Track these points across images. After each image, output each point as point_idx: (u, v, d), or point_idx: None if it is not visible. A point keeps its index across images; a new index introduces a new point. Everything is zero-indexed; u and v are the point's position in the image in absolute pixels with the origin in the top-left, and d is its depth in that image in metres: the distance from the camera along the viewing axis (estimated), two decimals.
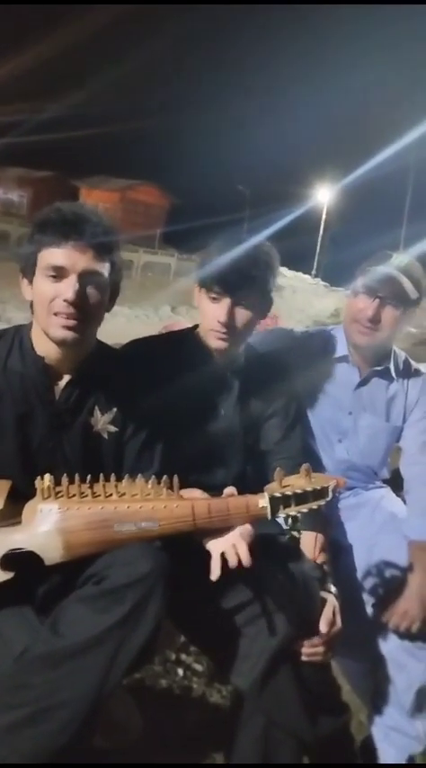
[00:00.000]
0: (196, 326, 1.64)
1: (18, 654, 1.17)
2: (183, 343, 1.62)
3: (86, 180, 39.18)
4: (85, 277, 1.30)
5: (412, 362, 1.91)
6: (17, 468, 1.35)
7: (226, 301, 1.49)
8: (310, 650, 1.36)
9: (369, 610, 1.69)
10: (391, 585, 1.66)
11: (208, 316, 1.52)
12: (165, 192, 40.32)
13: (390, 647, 1.65)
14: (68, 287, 1.28)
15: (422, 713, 1.67)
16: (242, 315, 1.51)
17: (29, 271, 1.35)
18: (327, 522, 1.61)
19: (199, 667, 2.07)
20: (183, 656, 2.11)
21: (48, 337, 1.33)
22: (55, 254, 1.29)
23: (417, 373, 1.88)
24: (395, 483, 1.94)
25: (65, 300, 1.28)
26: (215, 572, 1.23)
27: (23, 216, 32.68)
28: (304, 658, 1.35)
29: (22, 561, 1.19)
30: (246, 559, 1.21)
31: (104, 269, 1.34)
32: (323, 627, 1.37)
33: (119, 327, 1.64)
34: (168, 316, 15.95)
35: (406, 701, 1.64)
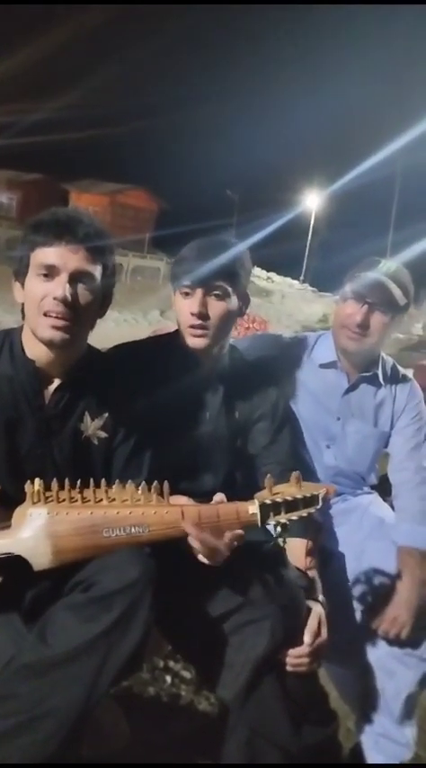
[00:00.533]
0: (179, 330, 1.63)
1: (4, 663, 1.15)
2: (168, 346, 1.61)
3: (76, 183, 39.14)
4: (77, 277, 1.30)
5: (400, 368, 1.92)
6: (6, 473, 1.34)
7: (198, 292, 1.50)
8: (295, 661, 1.34)
9: (358, 616, 1.69)
10: (380, 592, 1.66)
11: (183, 312, 1.52)
12: (155, 197, 40.37)
13: (379, 653, 1.65)
14: (58, 285, 1.28)
15: (411, 720, 1.68)
16: (215, 306, 1.51)
17: (21, 272, 1.35)
18: (319, 528, 1.61)
19: (187, 675, 2.06)
20: (171, 664, 2.09)
21: (36, 338, 1.32)
22: (47, 254, 1.30)
23: (405, 379, 1.89)
24: (383, 489, 1.94)
25: (55, 298, 1.28)
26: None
27: (12, 218, 32.58)
28: (289, 668, 1.34)
29: (11, 566, 1.18)
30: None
31: (96, 271, 1.34)
32: (307, 637, 1.35)
33: (107, 331, 1.63)
34: (157, 320, 15.96)
35: (395, 708, 1.64)
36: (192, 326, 1.51)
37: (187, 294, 1.51)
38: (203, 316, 1.50)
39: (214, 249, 1.51)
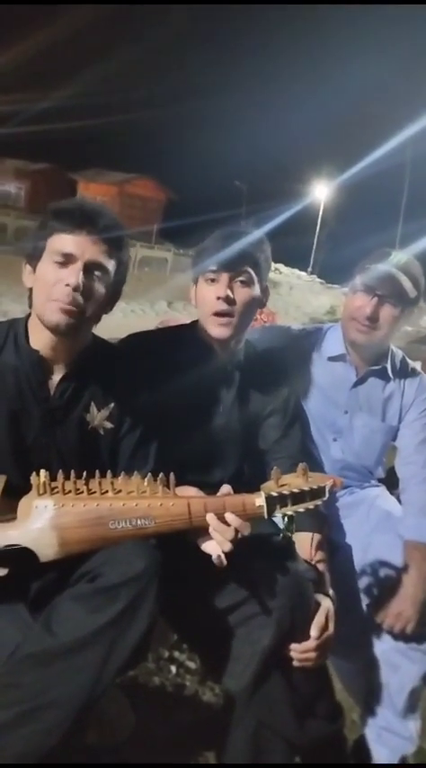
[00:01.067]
0: (195, 322, 1.62)
1: (9, 652, 1.15)
2: (182, 337, 1.61)
3: (84, 173, 39.02)
4: (91, 268, 1.31)
5: (409, 362, 1.90)
6: (11, 464, 1.34)
7: (224, 277, 1.50)
8: (302, 656, 1.34)
9: (364, 610, 1.69)
10: (385, 585, 1.65)
11: (207, 299, 1.52)
12: (163, 187, 40.21)
13: (384, 647, 1.65)
14: (72, 273, 1.29)
15: (415, 714, 1.67)
16: (241, 293, 1.51)
17: (35, 256, 1.35)
18: (326, 521, 1.61)
19: (192, 665, 2.07)
20: (176, 654, 2.10)
21: (43, 324, 1.32)
22: (66, 240, 1.30)
23: (414, 373, 1.87)
24: (391, 482, 1.93)
25: (67, 285, 1.28)
26: (221, 561, 1.21)
27: (20, 208, 32.59)
28: (295, 663, 1.34)
29: (17, 557, 1.18)
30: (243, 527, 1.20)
31: (110, 265, 1.34)
32: (313, 632, 1.34)
33: (115, 321, 1.62)
34: (164, 311, 15.94)
35: (399, 702, 1.63)
36: (218, 314, 1.51)
37: (212, 281, 1.52)
38: (230, 300, 1.50)
39: (237, 237, 1.52)
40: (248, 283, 1.52)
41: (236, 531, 1.19)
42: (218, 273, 1.51)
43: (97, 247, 1.31)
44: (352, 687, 1.83)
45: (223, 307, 1.50)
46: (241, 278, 1.51)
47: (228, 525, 1.19)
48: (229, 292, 1.50)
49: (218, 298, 1.49)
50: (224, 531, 1.19)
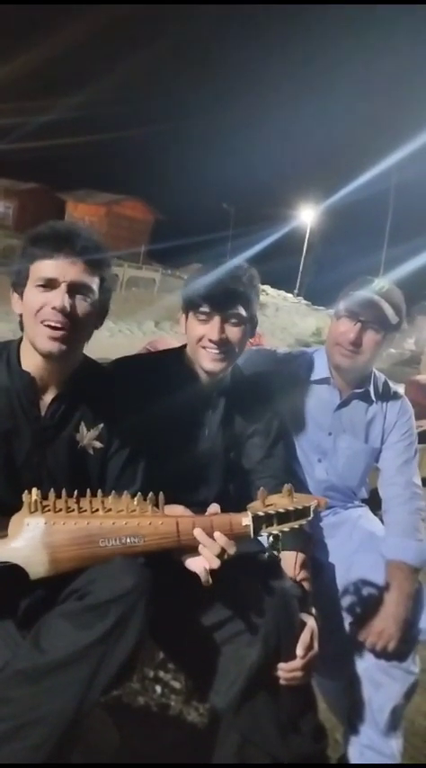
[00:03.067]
0: (184, 346, 1.66)
1: None
2: (171, 363, 1.64)
3: (72, 193, 39.23)
4: (75, 289, 1.33)
5: (391, 385, 1.95)
6: (2, 483, 1.36)
7: (216, 319, 1.52)
8: (288, 675, 1.36)
9: (346, 628, 1.71)
10: (368, 604, 1.68)
11: (197, 335, 1.55)
12: (151, 208, 40.50)
13: (366, 665, 1.68)
14: (57, 296, 1.31)
15: (397, 732, 1.69)
16: (233, 332, 1.54)
17: (20, 284, 1.37)
18: (310, 540, 1.64)
19: (177, 685, 2.07)
20: (161, 674, 2.10)
21: (35, 350, 1.34)
22: (46, 266, 1.32)
23: (395, 396, 1.92)
24: (374, 503, 1.97)
25: (53, 308, 1.30)
26: (207, 577, 1.23)
27: (8, 227, 32.65)
28: (282, 682, 1.36)
29: (7, 575, 1.20)
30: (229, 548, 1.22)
31: (94, 283, 1.36)
32: (299, 650, 1.36)
33: (102, 341, 1.64)
34: (152, 331, 16.00)
35: (381, 720, 1.65)
36: (208, 349, 1.53)
37: (204, 320, 1.54)
38: (223, 342, 1.53)
39: (230, 276, 1.53)
40: (240, 323, 1.55)
41: (223, 549, 1.22)
42: (211, 315, 1.53)
43: (77, 268, 1.33)
44: (336, 705, 1.85)
45: (215, 348, 1.53)
46: (233, 319, 1.54)
47: (216, 541, 1.22)
48: (222, 335, 1.52)
49: (211, 340, 1.52)
50: (211, 545, 1.21)
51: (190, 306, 1.56)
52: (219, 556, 1.22)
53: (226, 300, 1.51)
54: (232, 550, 1.22)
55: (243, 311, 1.54)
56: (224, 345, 1.53)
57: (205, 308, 1.52)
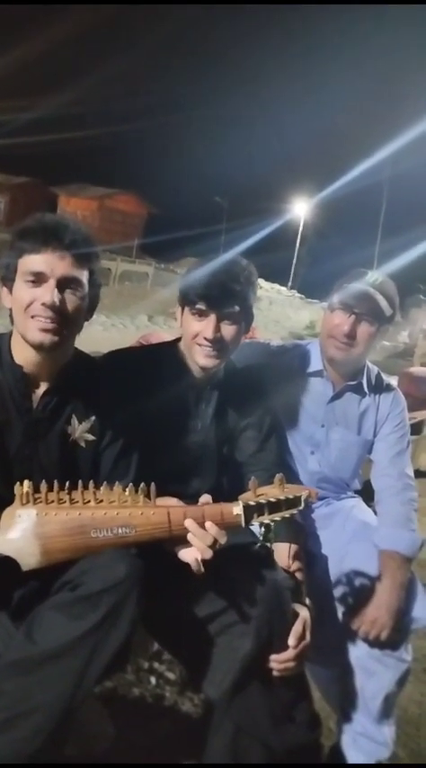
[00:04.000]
0: (177, 340, 1.66)
1: None
2: (164, 356, 1.64)
3: (65, 187, 39.05)
4: (64, 283, 1.33)
5: (384, 377, 1.96)
6: None
7: (212, 317, 1.52)
8: (281, 665, 1.37)
9: (340, 617, 1.73)
10: (361, 594, 1.69)
11: (195, 333, 1.54)
12: (144, 202, 40.36)
13: (359, 654, 1.69)
14: (46, 291, 1.30)
15: (390, 719, 1.71)
16: (228, 330, 1.54)
17: (9, 278, 1.37)
18: (302, 531, 1.64)
19: (171, 676, 2.08)
20: (156, 665, 2.11)
21: (26, 342, 1.34)
22: (34, 260, 1.32)
23: (388, 388, 1.93)
24: (366, 494, 1.98)
25: (43, 304, 1.30)
26: (199, 567, 1.24)
27: (0, 221, 32.44)
28: (275, 673, 1.37)
29: None
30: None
31: (83, 276, 1.36)
32: (291, 641, 1.38)
33: (95, 335, 1.64)
34: (145, 325, 15.98)
35: (374, 708, 1.67)
36: (203, 346, 1.53)
37: (199, 317, 1.53)
38: (218, 340, 1.53)
39: (228, 274, 1.52)
40: (236, 321, 1.55)
41: (215, 539, 1.22)
42: (206, 312, 1.52)
43: (66, 262, 1.32)
44: (329, 694, 1.86)
45: (210, 345, 1.53)
46: (229, 317, 1.53)
47: (207, 531, 1.22)
48: (216, 334, 1.52)
49: (206, 338, 1.52)
50: (202, 535, 1.22)
51: (187, 302, 1.55)
52: (211, 546, 1.22)
53: (222, 299, 1.51)
54: (223, 540, 1.23)
55: (239, 309, 1.54)
56: (218, 343, 1.53)
57: (201, 306, 1.52)
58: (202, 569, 1.24)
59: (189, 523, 1.22)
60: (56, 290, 1.31)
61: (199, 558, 1.23)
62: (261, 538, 1.52)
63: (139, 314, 17.36)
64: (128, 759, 1.65)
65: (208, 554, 1.22)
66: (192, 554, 1.24)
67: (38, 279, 1.32)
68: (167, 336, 1.98)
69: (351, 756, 1.71)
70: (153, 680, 2.06)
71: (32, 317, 1.31)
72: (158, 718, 1.90)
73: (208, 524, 1.22)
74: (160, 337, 2.20)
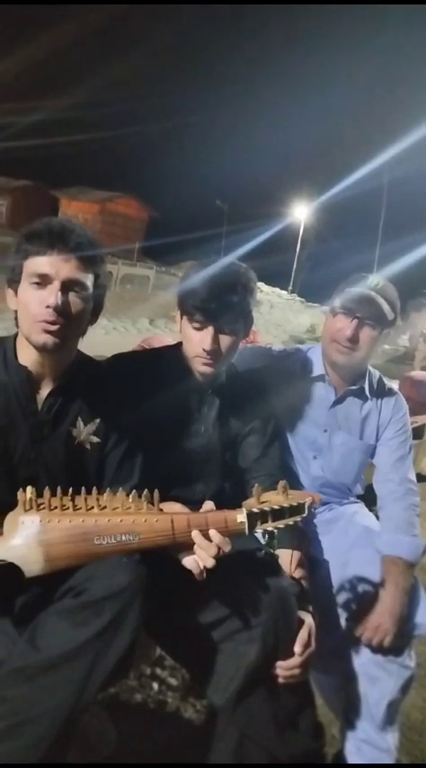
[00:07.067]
0: (180, 344, 1.66)
1: None
2: (168, 359, 1.64)
3: (66, 190, 39.05)
4: (69, 286, 1.33)
5: (386, 381, 1.96)
6: None
7: (210, 330, 1.51)
8: (286, 673, 1.36)
9: (343, 623, 1.72)
10: (364, 599, 1.68)
11: (193, 343, 1.54)
12: (145, 205, 40.39)
13: (362, 660, 1.68)
14: (51, 293, 1.31)
15: (393, 726, 1.70)
16: (226, 341, 1.53)
17: (14, 280, 1.38)
18: (305, 538, 1.64)
19: (173, 682, 2.07)
20: (158, 671, 2.11)
21: (30, 344, 1.35)
22: (40, 263, 1.32)
23: (390, 393, 1.93)
24: (369, 499, 1.98)
25: (47, 306, 1.30)
26: (201, 574, 1.24)
27: (1, 225, 32.51)
28: (280, 680, 1.36)
29: (2, 573, 1.20)
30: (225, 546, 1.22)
31: (88, 280, 1.37)
32: (297, 648, 1.37)
33: (96, 339, 1.64)
34: (146, 328, 15.97)
35: (377, 715, 1.66)
36: (202, 357, 1.53)
37: (198, 328, 1.53)
38: (215, 351, 1.52)
39: (226, 285, 1.50)
40: (235, 331, 1.54)
41: (218, 547, 1.22)
42: (204, 324, 1.51)
43: (71, 265, 1.33)
44: (332, 701, 1.85)
45: (207, 356, 1.52)
46: (227, 329, 1.53)
47: (212, 541, 1.22)
48: (214, 346, 1.51)
49: (204, 349, 1.51)
50: (207, 547, 1.22)
51: (184, 312, 1.55)
52: (215, 555, 1.22)
53: (220, 311, 1.50)
54: (227, 549, 1.23)
55: (237, 321, 1.54)
56: (216, 353, 1.53)
57: (199, 317, 1.51)
58: (204, 576, 1.23)
59: (195, 535, 1.21)
60: (60, 292, 1.31)
61: (202, 566, 1.22)
62: (263, 544, 1.52)
63: (141, 317, 17.35)
64: (130, 765, 1.64)
65: (211, 563, 1.22)
66: (194, 562, 1.24)
67: (43, 281, 1.32)
68: (169, 340, 1.98)
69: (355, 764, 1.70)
70: (155, 686, 2.05)
71: (37, 320, 1.32)
72: (160, 724, 1.90)
73: (212, 533, 1.22)
74: (162, 341, 2.20)
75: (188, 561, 1.26)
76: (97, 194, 38.57)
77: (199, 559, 1.23)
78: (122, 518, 1.21)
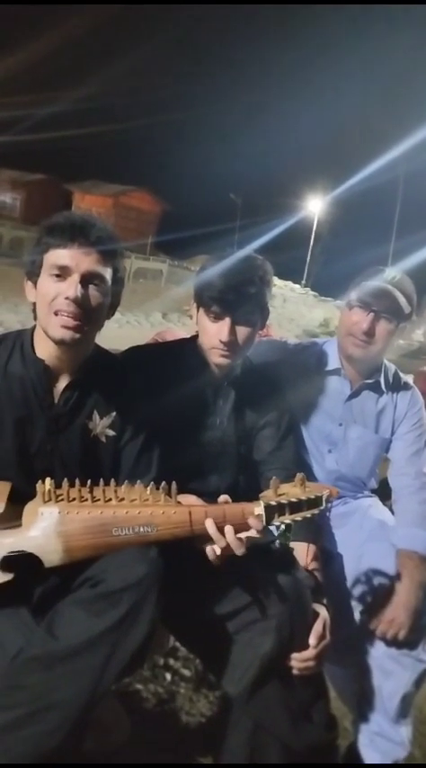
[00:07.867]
0: (195, 336, 1.66)
1: (13, 655, 1.18)
2: (183, 353, 1.65)
3: (79, 184, 39.13)
4: (88, 278, 1.34)
5: (402, 375, 1.95)
6: (15, 471, 1.37)
7: (227, 321, 1.51)
8: (301, 665, 1.37)
9: (357, 617, 1.72)
10: (379, 593, 1.69)
11: (210, 334, 1.54)
12: (158, 199, 40.36)
13: (377, 654, 1.68)
14: (70, 286, 1.32)
15: (407, 719, 1.70)
16: (243, 332, 1.54)
17: (34, 272, 1.39)
18: (320, 531, 1.64)
19: (186, 672, 2.09)
20: (171, 662, 2.13)
21: (48, 337, 1.36)
22: (60, 255, 1.34)
23: (406, 386, 1.92)
24: (383, 493, 1.98)
25: (66, 298, 1.31)
26: (217, 559, 1.25)
27: (16, 218, 32.66)
28: (295, 672, 1.37)
29: (22, 563, 1.21)
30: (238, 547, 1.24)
31: (107, 273, 1.38)
32: (312, 640, 1.38)
33: (110, 333, 1.64)
34: (159, 322, 15.99)
35: (391, 708, 1.67)
36: (219, 349, 1.54)
37: (215, 319, 1.53)
38: (233, 342, 1.53)
39: (243, 276, 1.51)
40: (252, 322, 1.55)
41: (230, 543, 1.22)
42: (221, 315, 1.52)
43: (91, 258, 1.34)
44: (345, 693, 1.86)
45: (224, 347, 1.53)
46: (244, 320, 1.53)
47: (224, 536, 1.23)
48: (231, 337, 1.52)
49: (221, 341, 1.52)
50: (219, 540, 1.23)
51: (201, 304, 1.56)
52: (225, 549, 1.23)
53: (238, 302, 1.50)
54: (240, 552, 1.23)
55: (254, 313, 1.54)
56: (233, 344, 1.53)
57: (216, 309, 1.52)
58: (220, 561, 1.24)
59: (209, 524, 1.22)
60: (79, 284, 1.32)
61: (218, 552, 1.23)
62: (278, 535, 1.53)
63: (154, 311, 17.37)
64: (144, 754, 1.66)
65: (242, 550, 1.23)
66: (212, 549, 1.25)
67: (62, 273, 1.33)
68: (182, 333, 1.99)
69: (368, 756, 1.71)
70: (168, 676, 2.07)
71: (55, 312, 1.33)
72: (173, 714, 1.91)
73: (227, 529, 1.22)
74: (175, 334, 2.20)
75: (210, 552, 1.27)
76: (110, 188, 38.61)
77: (216, 547, 1.24)
78: (140, 510, 1.22)
